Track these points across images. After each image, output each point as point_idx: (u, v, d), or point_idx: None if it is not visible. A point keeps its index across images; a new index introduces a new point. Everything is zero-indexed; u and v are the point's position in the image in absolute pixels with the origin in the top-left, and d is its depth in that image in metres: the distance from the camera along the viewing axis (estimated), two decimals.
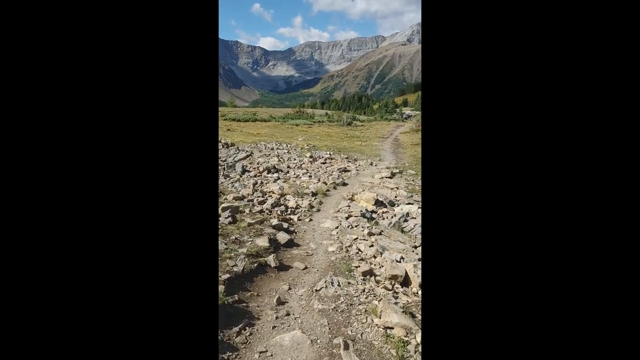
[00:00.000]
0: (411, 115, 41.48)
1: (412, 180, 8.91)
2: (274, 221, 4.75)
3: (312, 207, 6.18)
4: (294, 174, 8.96)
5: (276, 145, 14.06)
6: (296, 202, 6.28)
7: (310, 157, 11.53)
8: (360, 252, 4.09)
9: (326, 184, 8.04)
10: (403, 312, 2.60)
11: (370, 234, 4.75)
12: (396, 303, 2.81)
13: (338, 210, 6.10)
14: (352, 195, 7.04)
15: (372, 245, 4.29)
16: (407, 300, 2.99)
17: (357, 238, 4.56)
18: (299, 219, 5.40)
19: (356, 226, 5.22)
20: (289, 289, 3.13)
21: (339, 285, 3.04)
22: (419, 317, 2.70)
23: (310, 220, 5.49)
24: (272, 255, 3.62)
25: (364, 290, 3.02)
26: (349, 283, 3.10)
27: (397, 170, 9.85)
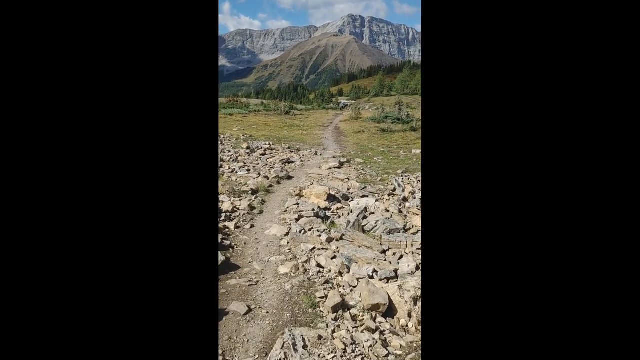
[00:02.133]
0: (347, 105, 42.03)
1: (362, 170, 8.19)
2: None
3: (252, 208, 5.02)
4: (229, 168, 7.62)
5: None
6: (232, 203, 5.06)
7: (248, 148, 10.20)
8: (321, 270, 3.11)
9: (268, 179, 6.90)
10: None
11: (330, 240, 3.79)
12: (388, 356, 1.87)
13: (285, 211, 5.04)
14: (300, 191, 6.02)
15: (334, 257, 3.33)
16: (401, 344, 2.08)
17: (314, 248, 3.57)
18: (236, 226, 4.22)
19: (310, 230, 4.23)
20: None
21: (304, 346, 1.95)
22: None
23: (252, 226, 4.34)
24: None
25: (344, 350, 1.97)
26: (319, 338, 2.04)
27: (345, 160, 9.06)
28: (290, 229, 4.23)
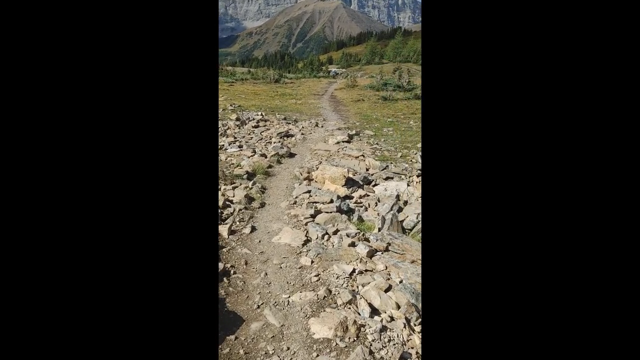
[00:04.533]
0: (338, 73, 40.14)
1: (376, 144, 6.91)
2: None
3: (251, 200, 3.74)
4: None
5: None
6: (223, 194, 3.77)
7: (237, 119, 8.74)
8: (379, 318, 1.89)
9: (266, 157, 5.58)
10: None
11: (372, 253, 2.59)
12: None
13: (294, 202, 3.78)
14: (309, 173, 4.74)
15: (388, 289, 2.13)
16: None
17: (353, 272, 2.35)
18: (231, 231, 2.96)
19: (335, 233, 3.01)
20: None
21: None
22: None
23: (253, 229, 3.09)
24: None
25: None
26: None
27: (353, 132, 7.74)
28: (308, 232, 3.00)
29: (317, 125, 8.97)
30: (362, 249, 2.57)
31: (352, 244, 2.73)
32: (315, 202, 3.74)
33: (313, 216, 3.37)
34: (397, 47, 56.99)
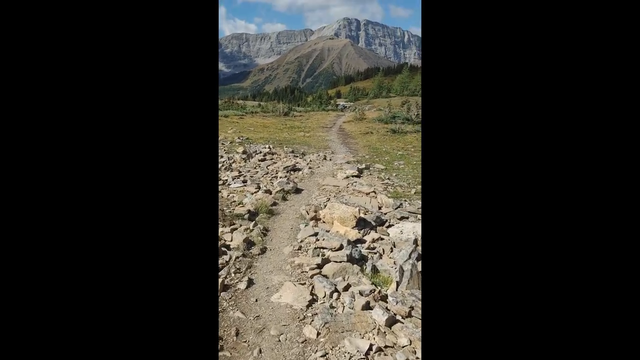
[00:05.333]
0: (346, 106, 40.82)
1: (388, 179, 6.52)
2: None
3: (250, 245, 3.33)
4: (220, 178, 5.93)
5: None
6: (221, 237, 3.37)
7: (244, 152, 8.52)
8: None
9: (270, 193, 5.22)
10: None
11: (391, 322, 2.11)
12: None
13: (299, 248, 3.35)
14: (316, 212, 4.34)
15: None
16: None
17: (370, 349, 1.87)
18: (224, 287, 2.53)
19: (346, 289, 2.55)
20: None
21: None
22: None
23: (250, 284, 2.65)
24: None
25: None
26: None
27: (363, 166, 7.39)
28: (314, 288, 2.55)
29: (325, 158, 8.68)
30: (379, 315, 2.11)
31: (367, 306, 2.27)
32: (323, 248, 3.31)
33: (320, 266, 2.93)
34: (404, 81, 58.20)
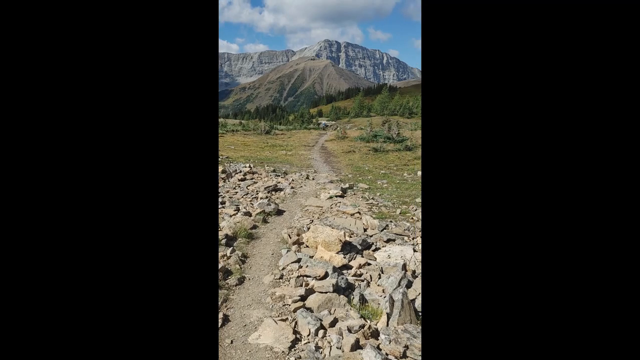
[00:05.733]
0: (328, 125, 41.18)
1: (372, 199, 6.37)
2: None
3: (227, 274, 3.05)
4: None
5: None
6: None
7: (223, 172, 8.22)
8: None
9: (250, 216, 4.95)
10: None
11: None
12: None
13: (280, 277, 3.09)
14: (299, 235, 4.10)
15: None
16: None
17: None
18: None
19: (333, 325, 2.30)
20: None
21: None
22: None
23: (225, 321, 2.36)
24: None
25: None
26: None
27: (347, 186, 7.24)
28: (297, 325, 2.29)
29: (307, 177, 8.50)
30: (370, 357, 1.87)
31: (357, 345, 2.03)
32: (307, 277, 3.06)
33: (304, 297, 2.68)
34: (384, 101, 59.70)
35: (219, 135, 19.55)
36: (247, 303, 2.64)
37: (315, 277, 3.03)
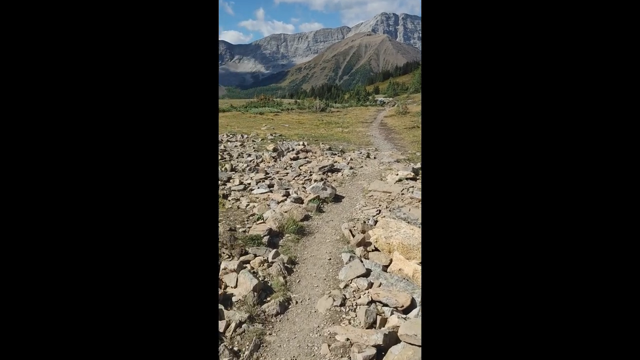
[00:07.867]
0: (385, 102, 38.91)
1: None
2: None
3: (265, 294, 2.11)
4: (240, 182, 4.82)
5: (227, 137, 9.75)
6: (222, 278, 2.19)
7: (274, 150, 7.41)
8: None
9: (302, 203, 4.00)
10: None
11: None
12: None
13: (342, 303, 2.07)
14: (364, 233, 3.04)
15: None
16: None
17: None
18: None
19: None
20: None
21: None
22: None
23: None
24: None
25: None
26: None
27: (417, 166, 5.95)
28: None
29: (368, 156, 7.34)
30: None
31: None
32: (383, 305, 2.00)
33: (381, 349, 1.63)
34: None
35: (275, 113, 19.02)
36: (289, 352, 1.67)
37: (395, 307, 1.96)
